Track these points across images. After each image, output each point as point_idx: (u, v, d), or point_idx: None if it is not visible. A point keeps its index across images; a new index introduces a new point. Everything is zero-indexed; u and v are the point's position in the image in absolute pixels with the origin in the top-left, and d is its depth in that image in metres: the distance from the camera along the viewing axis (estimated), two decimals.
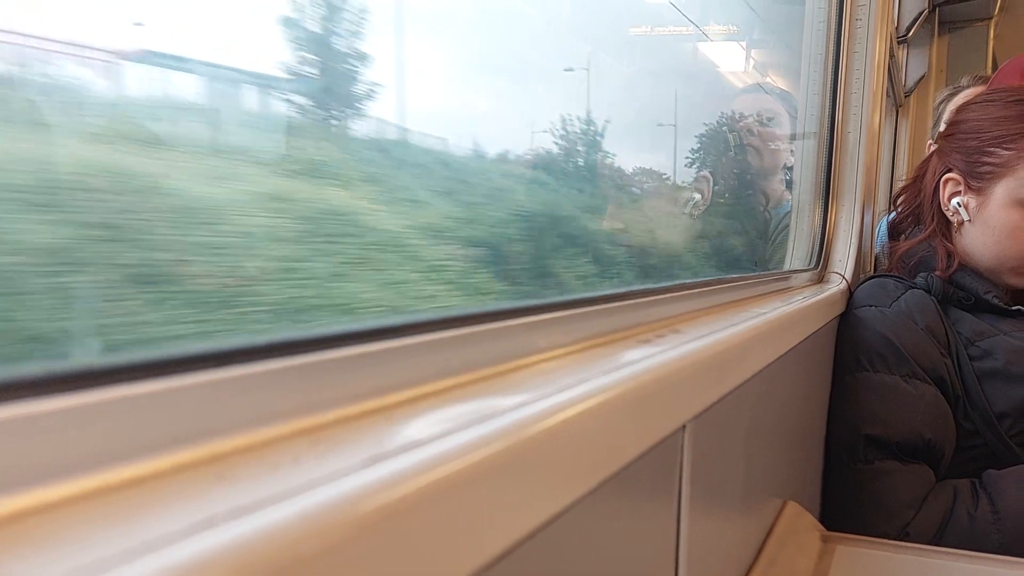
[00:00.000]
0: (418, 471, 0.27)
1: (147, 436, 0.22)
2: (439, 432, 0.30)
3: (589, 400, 0.38)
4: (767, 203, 1.86)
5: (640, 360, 0.48)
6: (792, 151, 1.90)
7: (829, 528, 1.13)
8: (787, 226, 1.61)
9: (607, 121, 1.43)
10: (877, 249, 1.70)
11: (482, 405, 0.34)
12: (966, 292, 1.32)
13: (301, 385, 0.28)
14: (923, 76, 3.36)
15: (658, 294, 0.69)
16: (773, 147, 1.92)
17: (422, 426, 0.31)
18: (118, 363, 0.22)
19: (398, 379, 0.33)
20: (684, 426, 0.55)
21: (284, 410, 0.27)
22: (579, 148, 1.39)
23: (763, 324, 0.77)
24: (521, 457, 0.32)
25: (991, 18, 3.77)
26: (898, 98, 3.15)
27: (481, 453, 0.30)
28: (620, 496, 0.45)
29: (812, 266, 1.43)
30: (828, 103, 1.52)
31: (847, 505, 1.24)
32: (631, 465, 0.43)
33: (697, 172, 1.83)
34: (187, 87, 0.62)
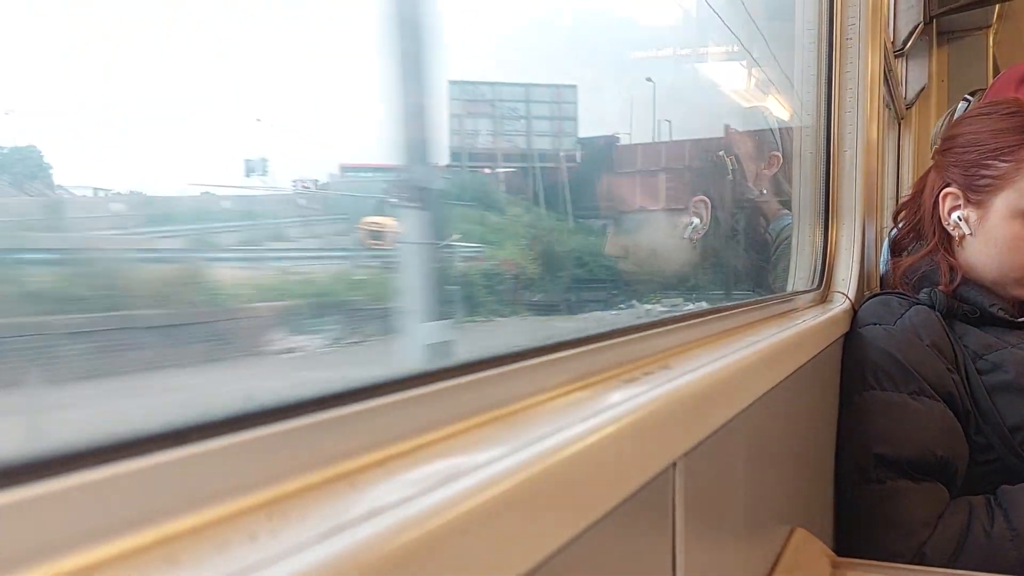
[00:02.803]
0: (383, 538, 0.27)
1: (95, 523, 0.22)
2: (405, 496, 0.30)
3: (565, 450, 0.38)
4: (767, 224, 1.86)
5: (623, 401, 0.48)
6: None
7: (844, 552, 1.11)
8: (787, 238, 1.62)
9: None
10: (883, 265, 1.69)
11: (453, 463, 0.34)
12: (971, 306, 1.31)
13: (257, 458, 0.28)
14: (924, 88, 3.35)
15: (650, 329, 0.68)
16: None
17: (388, 490, 0.30)
18: (61, 452, 0.22)
19: (363, 443, 0.33)
20: (674, 464, 0.54)
21: (240, 485, 0.27)
22: None
23: (757, 352, 0.76)
24: (493, 514, 0.32)
25: (990, 26, 3.77)
26: (899, 111, 3.15)
27: (450, 513, 0.30)
28: (607, 542, 0.45)
29: (815, 287, 1.42)
30: (823, 123, 1.52)
31: (861, 527, 1.23)
32: (616, 511, 0.43)
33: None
34: None
